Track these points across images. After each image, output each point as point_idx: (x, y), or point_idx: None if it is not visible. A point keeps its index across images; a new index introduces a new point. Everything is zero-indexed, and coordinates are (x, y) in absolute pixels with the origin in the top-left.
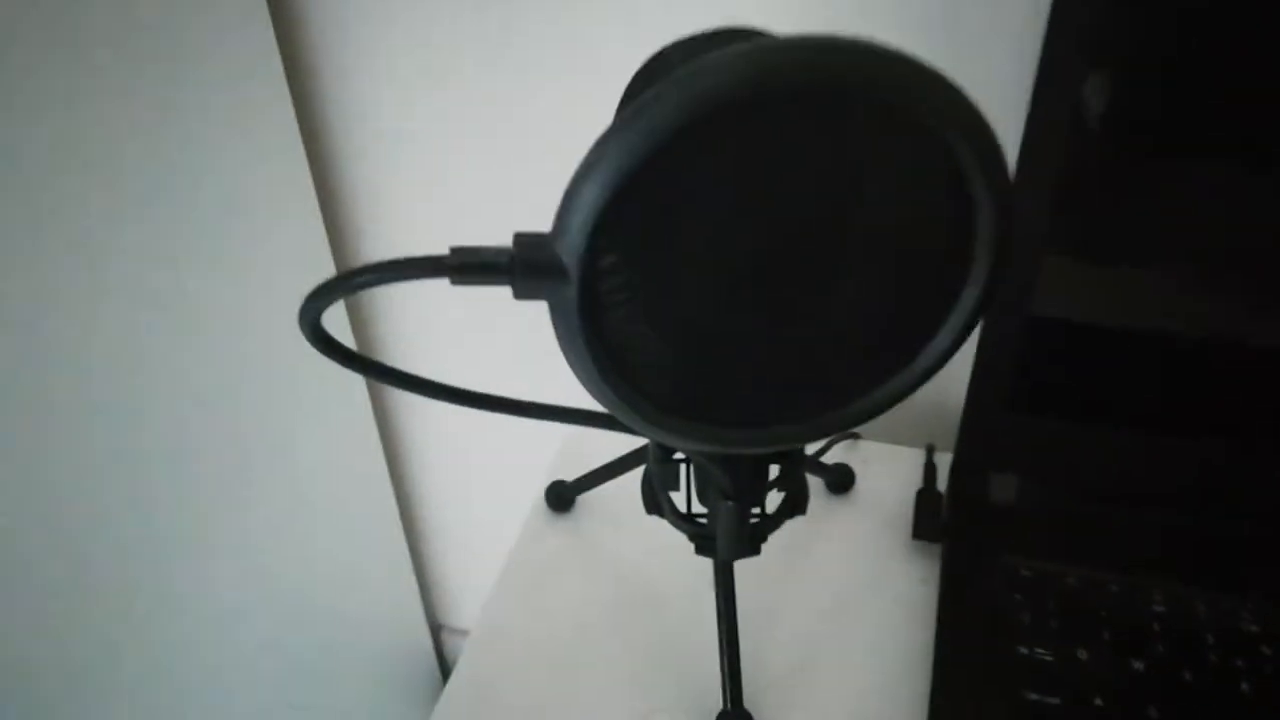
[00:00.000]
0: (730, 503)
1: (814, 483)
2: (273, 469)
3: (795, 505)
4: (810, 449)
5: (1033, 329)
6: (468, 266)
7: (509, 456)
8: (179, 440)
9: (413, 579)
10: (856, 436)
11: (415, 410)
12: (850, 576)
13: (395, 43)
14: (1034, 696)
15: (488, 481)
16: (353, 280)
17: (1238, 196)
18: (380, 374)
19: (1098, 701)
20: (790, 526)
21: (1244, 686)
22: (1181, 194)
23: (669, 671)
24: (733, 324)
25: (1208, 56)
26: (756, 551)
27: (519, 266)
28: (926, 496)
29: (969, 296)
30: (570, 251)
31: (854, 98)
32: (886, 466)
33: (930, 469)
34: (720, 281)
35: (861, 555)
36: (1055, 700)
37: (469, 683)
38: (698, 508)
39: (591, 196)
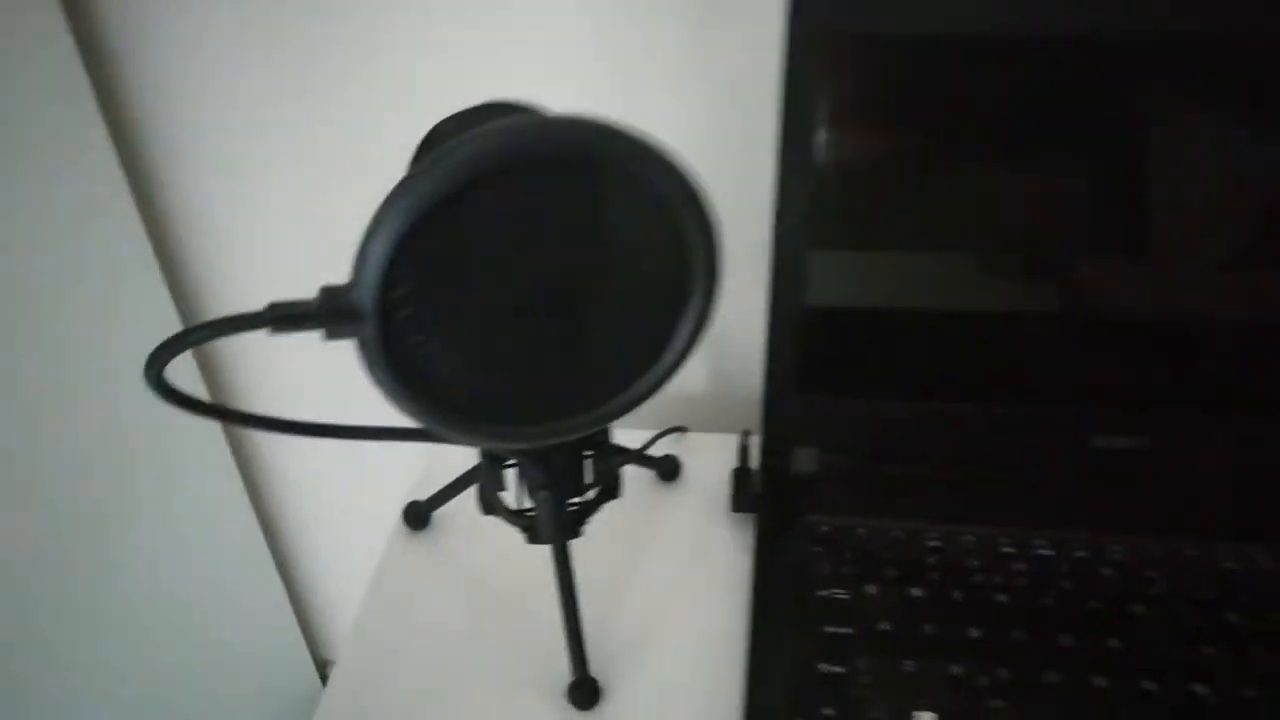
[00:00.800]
0: (546, 493)
1: (646, 474)
2: (138, 527)
3: (609, 492)
4: (638, 443)
5: (809, 320)
6: (282, 319)
7: (373, 487)
8: (45, 511)
9: (294, 621)
10: (684, 430)
11: (277, 449)
12: (681, 550)
13: (224, 123)
14: (831, 629)
15: (358, 514)
16: (186, 339)
17: (972, 186)
18: (221, 415)
19: (884, 626)
20: (627, 513)
21: (1000, 598)
22: (923, 186)
23: (529, 656)
24: (511, 344)
25: (927, 85)
26: (577, 534)
27: (325, 315)
28: (741, 475)
29: (691, 314)
30: (365, 298)
31: (589, 164)
32: (710, 453)
33: (744, 451)
34: (497, 310)
35: (690, 531)
36: (849, 630)
37: (339, 708)
38: (529, 504)
39: (378, 251)
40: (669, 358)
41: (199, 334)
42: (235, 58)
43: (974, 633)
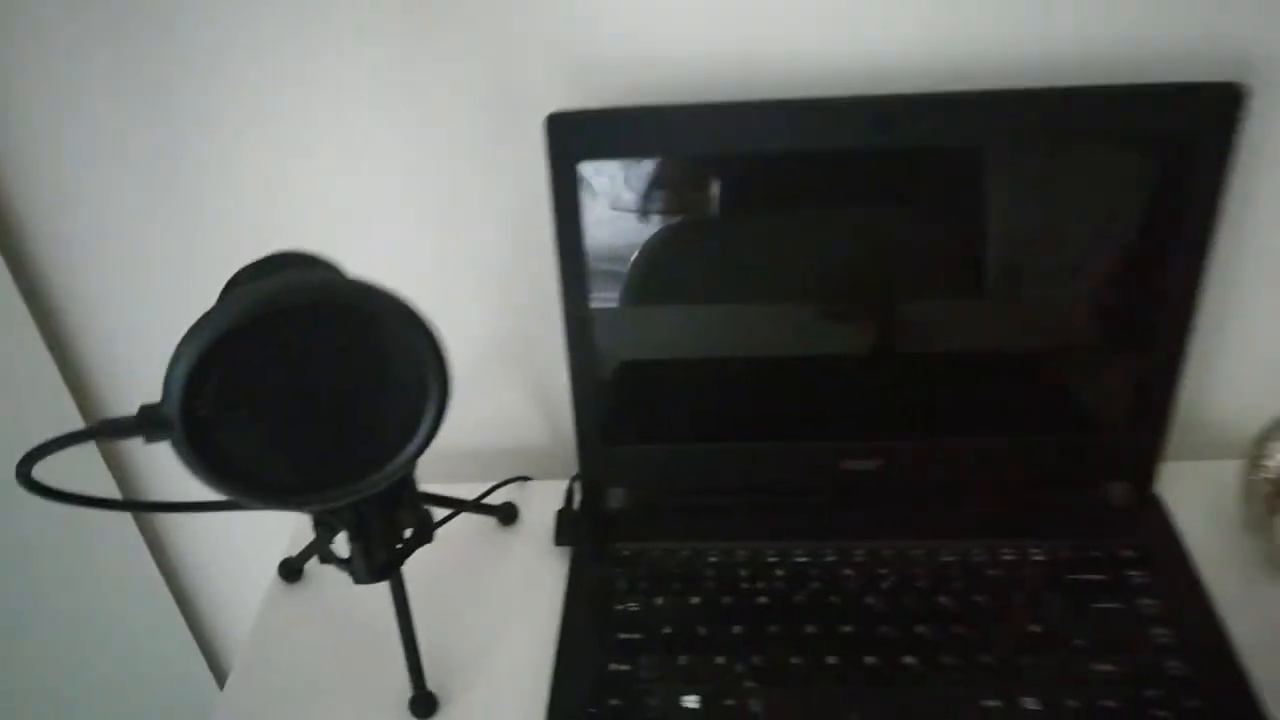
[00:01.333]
0: (355, 543)
1: (488, 521)
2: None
3: (421, 536)
4: (475, 494)
5: (602, 381)
6: (111, 431)
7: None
8: None
9: (199, 653)
10: (527, 479)
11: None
12: (513, 581)
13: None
14: (623, 636)
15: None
16: (37, 454)
17: (739, 245)
18: (84, 502)
19: (666, 630)
20: (468, 553)
21: (761, 600)
22: (691, 248)
23: (382, 679)
24: (295, 437)
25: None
26: (392, 574)
27: (142, 426)
28: (564, 514)
29: (429, 414)
30: (172, 411)
31: (346, 312)
32: (547, 498)
33: (569, 494)
34: (281, 413)
35: (522, 565)
36: (638, 635)
37: None
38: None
39: (179, 375)
40: (414, 445)
41: (49, 447)
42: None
43: (737, 629)
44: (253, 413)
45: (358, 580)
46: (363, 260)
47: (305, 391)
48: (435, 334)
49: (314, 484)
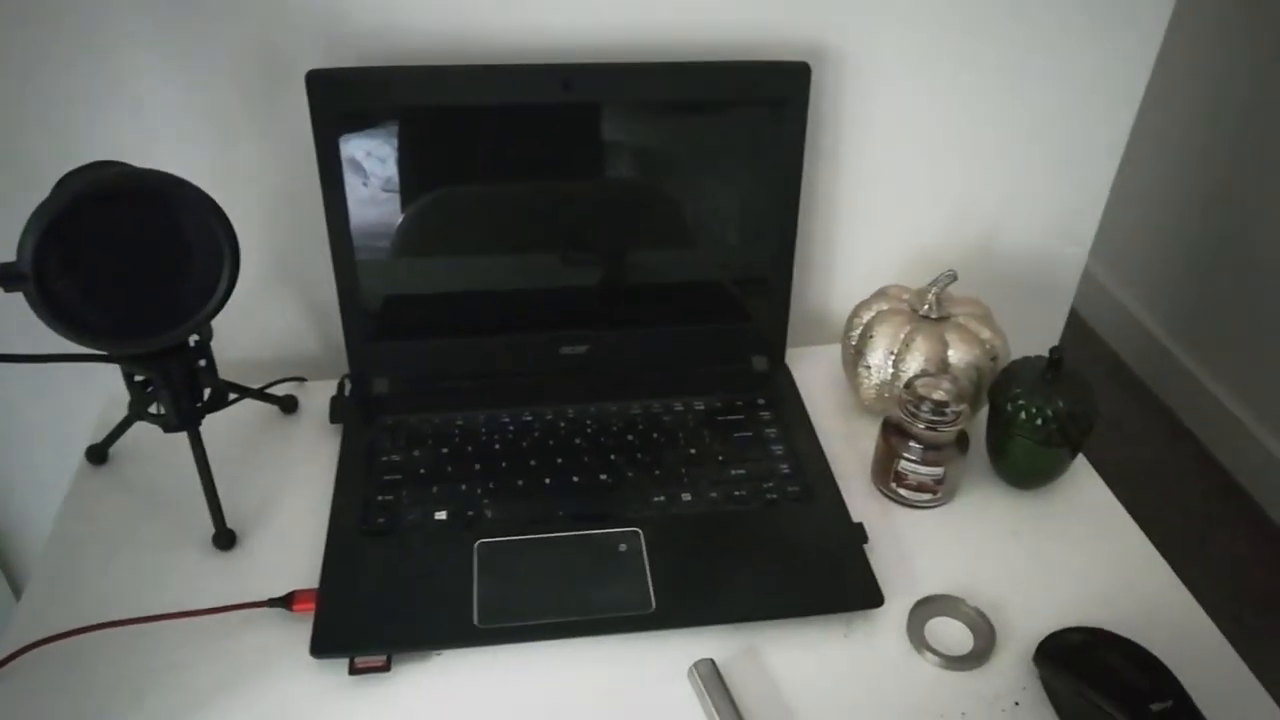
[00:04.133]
0: (166, 392)
1: (273, 410)
2: None
3: (217, 398)
4: (256, 385)
5: (365, 290)
6: None
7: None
8: None
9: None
10: (302, 379)
11: None
12: (297, 452)
13: None
14: (388, 477)
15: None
16: None
17: (466, 195)
18: None
19: (421, 471)
20: (256, 433)
21: (496, 447)
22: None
23: (190, 529)
24: (121, 291)
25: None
26: (195, 424)
27: (2, 279)
28: (337, 399)
29: (224, 278)
30: (25, 266)
31: (153, 194)
32: (322, 392)
33: (341, 385)
34: (111, 270)
35: (304, 440)
36: (399, 477)
37: (37, 608)
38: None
39: (30, 239)
40: (212, 303)
41: None
42: None
43: (477, 467)
44: (86, 273)
45: (166, 428)
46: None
47: (126, 260)
48: (227, 219)
49: (132, 331)
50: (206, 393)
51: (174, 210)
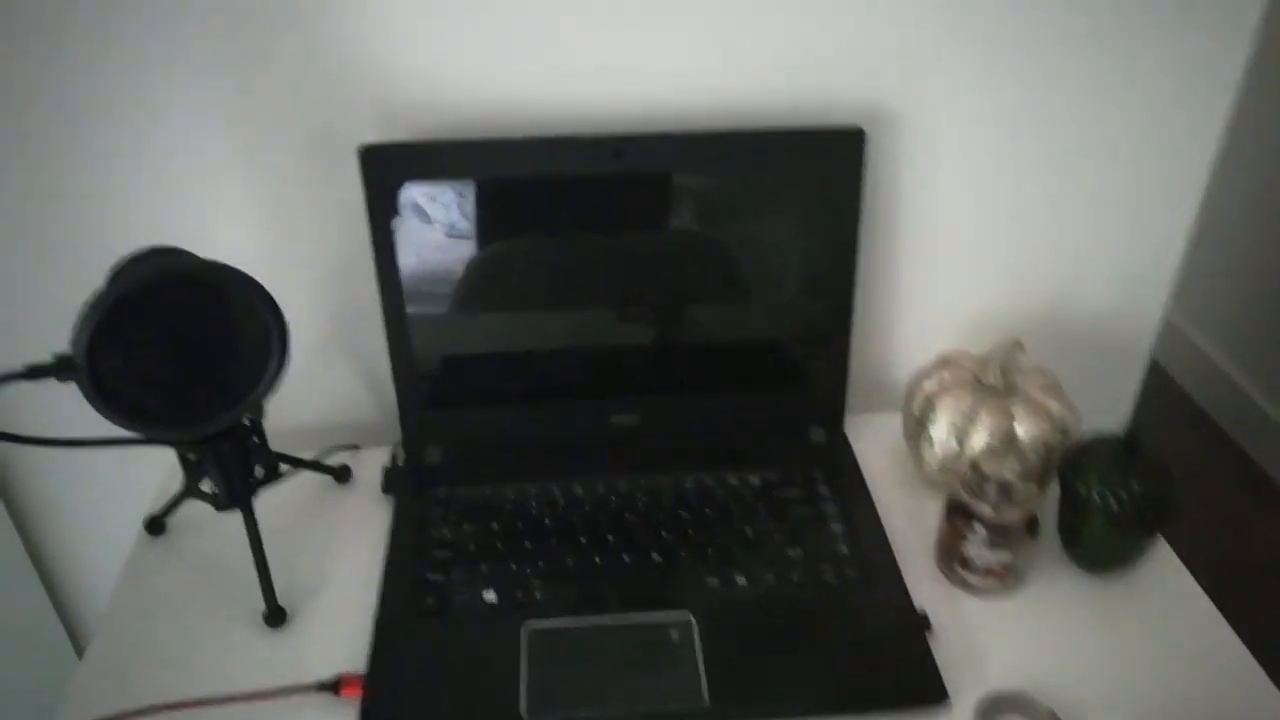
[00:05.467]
0: (218, 470)
1: (326, 480)
2: None
3: (270, 474)
4: (311, 452)
5: (419, 365)
6: (31, 373)
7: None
8: None
9: (55, 616)
10: (356, 447)
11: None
12: (349, 525)
13: None
14: (437, 554)
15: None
16: None
17: (519, 256)
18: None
19: (471, 548)
20: (309, 503)
21: (546, 521)
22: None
23: (242, 604)
24: (175, 377)
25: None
26: (249, 503)
27: (57, 370)
28: (389, 468)
29: (274, 363)
30: (80, 358)
31: (202, 284)
32: (376, 459)
33: (394, 455)
34: (164, 358)
35: (355, 512)
36: (449, 554)
37: (98, 670)
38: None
39: (85, 330)
40: (262, 386)
41: None
42: None
43: (527, 544)
44: (138, 361)
45: (219, 507)
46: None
47: (177, 346)
48: (277, 304)
49: (184, 417)
50: (259, 468)
51: (222, 296)
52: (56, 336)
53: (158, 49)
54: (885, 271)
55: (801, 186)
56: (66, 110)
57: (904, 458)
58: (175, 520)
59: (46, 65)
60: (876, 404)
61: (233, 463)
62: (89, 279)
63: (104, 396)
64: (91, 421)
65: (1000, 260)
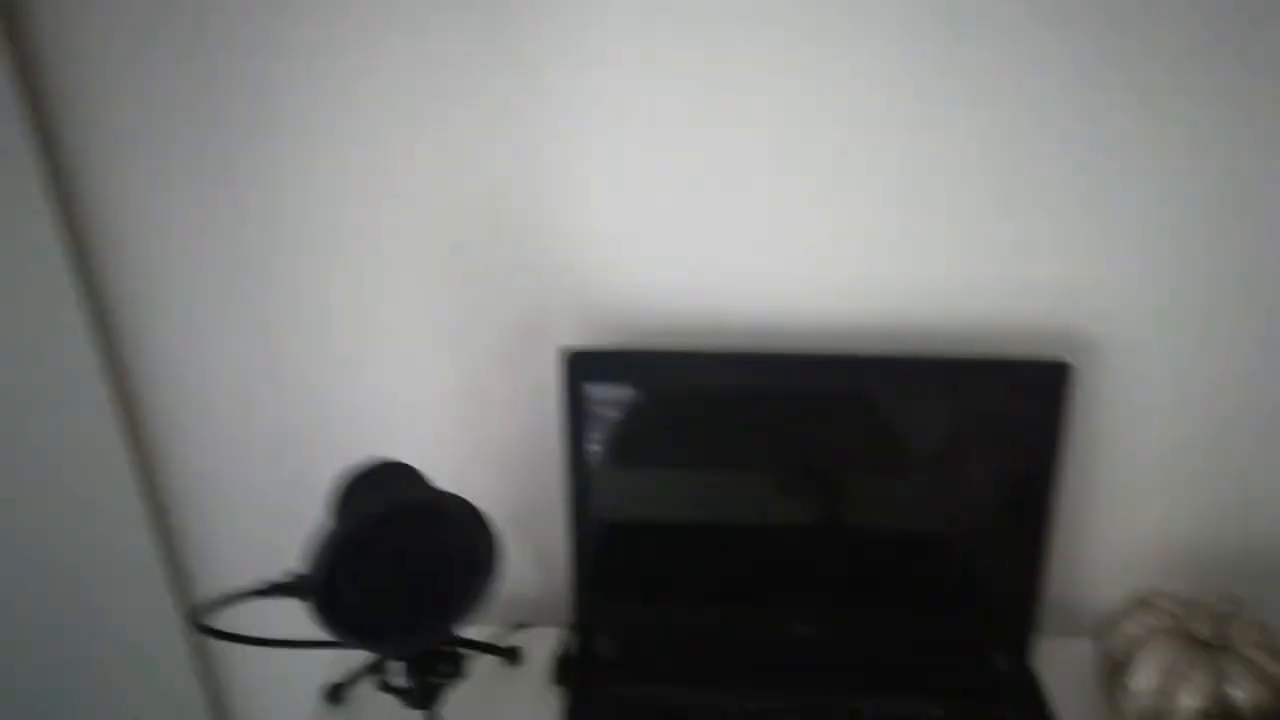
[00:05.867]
0: (414, 673)
1: (496, 660)
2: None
3: (459, 675)
4: (483, 635)
5: (596, 551)
6: (274, 590)
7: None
8: None
9: None
10: (526, 625)
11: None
12: (519, 711)
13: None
14: None
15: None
16: (223, 602)
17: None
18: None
19: None
20: (483, 687)
21: None
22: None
23: None
24: (397, 597)
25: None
26: (436, 702)
27: (298, 591)
28: (560, 658)
29: (483, 584)
30: (316, 584)
31: (431, 512)
32: (543, 639)
33: (564, 641)
34: (387, 581)
35: (525, 699)
36: None
37: None
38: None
39: (323, 561)
40: (477, 604)
41: (225, 601)
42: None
43: None
44: (362, 583)
45: (415, 707)
46: (408, 440)
47: (396, 565)
48: (495, 531)
49: (400, 635)
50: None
51: (448, 522)
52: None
53: (373, 263)
54: (1080, 490)
55: (1001, 413)
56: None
57: (1094, 696)
58: (355, 691)
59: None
60: (1060, 625)
61: (425, 668)
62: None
63: (334, 618)
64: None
65: (1202, 494)
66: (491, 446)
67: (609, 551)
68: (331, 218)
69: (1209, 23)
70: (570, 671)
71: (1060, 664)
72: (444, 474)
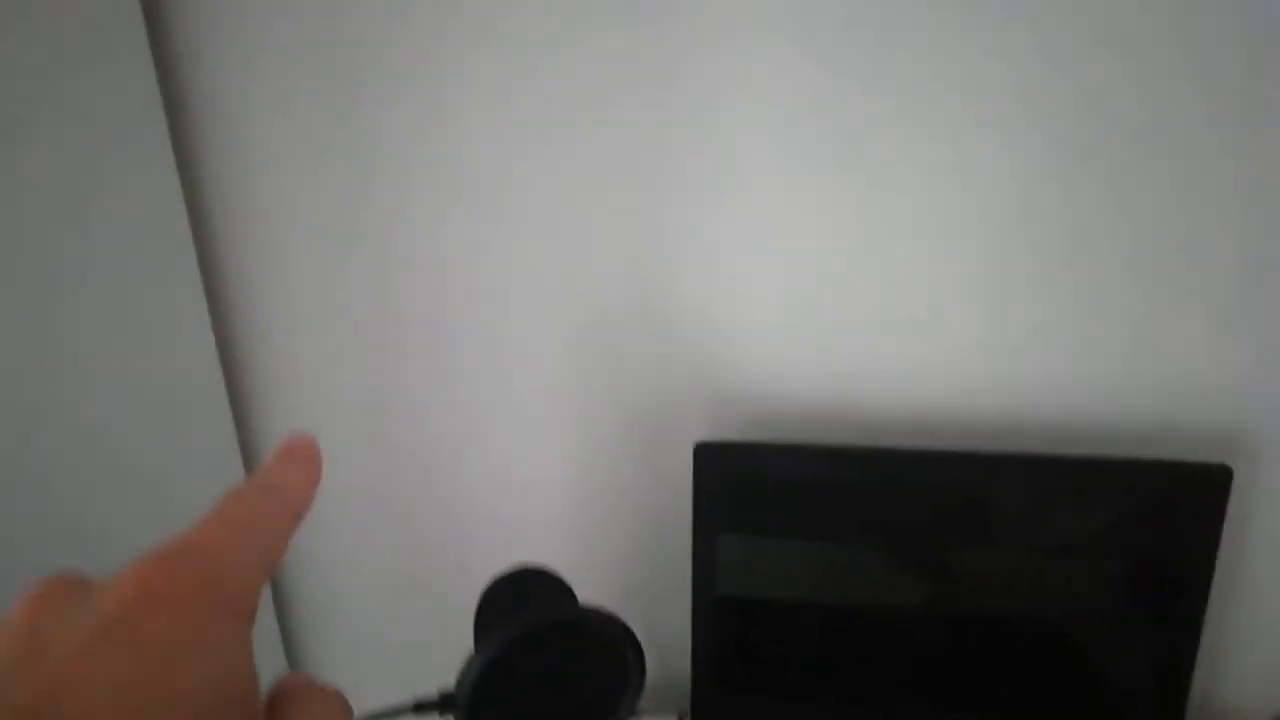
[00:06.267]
0: None
1: None
2: None
3: None
4: None
5: (717, 652)
6: (420, 707)
7: None
8: None
9: None
10: (640, 714)
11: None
12: None
13: None
14: None
15: None
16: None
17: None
18: None
19: None
20: None
21: None
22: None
23: None
24: (540, 712)
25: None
26: None
27: (443, 708)
28: None
29: (632, 694)
30: (463, 702)
31: (574, 629)
32: None
33: None
34: (532, 698)
35: None
36: None
37: None
38: None
39: (469, 682)
40: (624, 712)
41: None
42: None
43: None
44: (508, 695)
45: None
46: (538, 530)
47: (539, 676)
48: (642, 651)
49: None
50: None
51: (593, 636)
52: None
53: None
54: (1229, 606)
55: (1158, 514)
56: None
57: None
58: None
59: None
60: None
61: None
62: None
63: None
64: None
65: None
66: (614, 534)
67: (730, 644)
68: (469, 288)
69: None
70: None
71: None
72: (564, 557)
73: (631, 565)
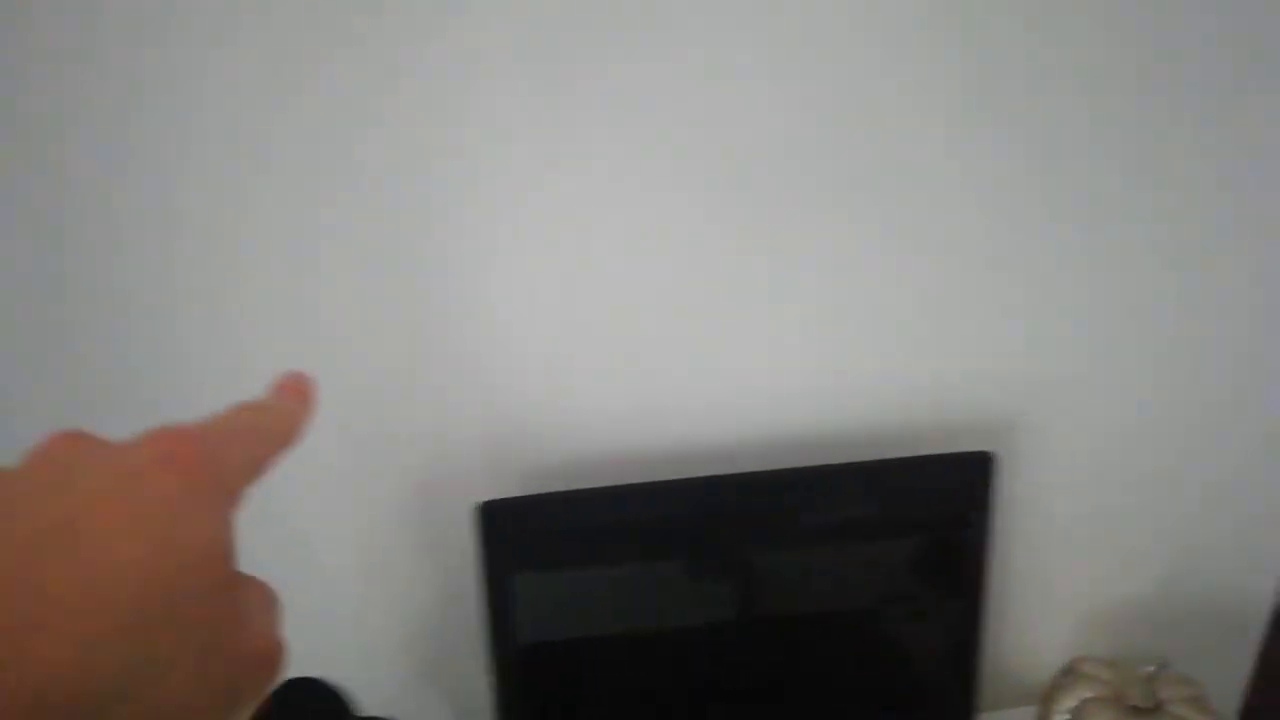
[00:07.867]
0: None
1: None
2: None
3: None
4: None
5: (522, 705)
6: None
7: None
8: None
9: None
10: None
11: None
12: None
13: None
14: None
15: None
16: None
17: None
18: None
19: None
20: None
21: None
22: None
23: None
24: None
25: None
26: None
27: None
28: None
29: None
30: None
31: None
32: None
33: None
34: None
35: None
36: None
37: None
38: None
39: None
40: None
41: None
42: None
43: None
44: None
45: None
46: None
47: None
48: None
49: None
50: None
51: None
52: None
53: None
54: (1006, 568)
55: (936, 504)
56: None
57: None
58: None
59: None
60: (994, 699)
61: None
62: None
63: None
64: None
65: (1120, 554)
66: (406, 603)
67: (538, 691)
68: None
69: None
70: None
71: None
72: (350, 650)
73: (423, 639)
